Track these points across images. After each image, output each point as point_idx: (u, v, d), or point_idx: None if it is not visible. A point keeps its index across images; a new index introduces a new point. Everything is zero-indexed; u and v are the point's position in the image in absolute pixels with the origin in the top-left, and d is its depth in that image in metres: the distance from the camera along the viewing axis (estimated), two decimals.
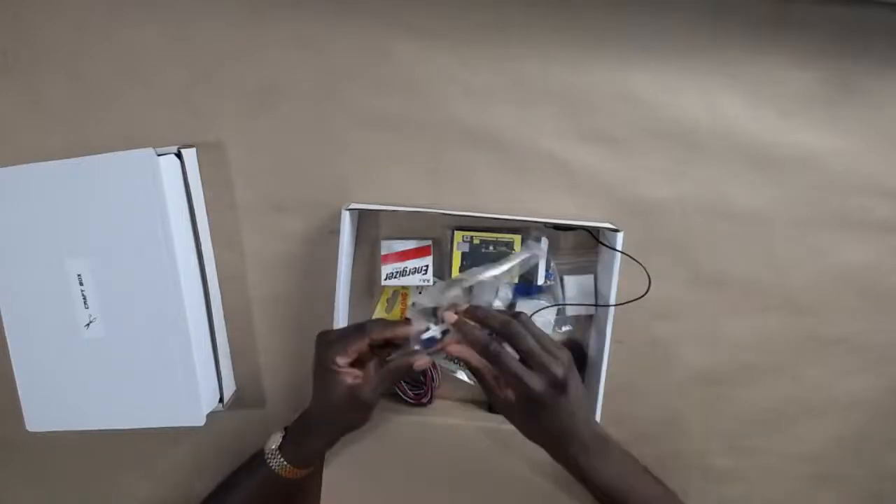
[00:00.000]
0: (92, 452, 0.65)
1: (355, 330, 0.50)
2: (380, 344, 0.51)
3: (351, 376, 0.50)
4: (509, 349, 0.47)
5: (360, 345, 0.50)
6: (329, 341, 0.51)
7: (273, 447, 0.54)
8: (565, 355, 0.48)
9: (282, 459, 0.53)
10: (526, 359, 0.47)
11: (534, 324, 0.50)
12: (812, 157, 0.60)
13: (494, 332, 0.48)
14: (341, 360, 0.49)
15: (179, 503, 0.66)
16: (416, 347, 0.50)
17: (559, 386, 0.46)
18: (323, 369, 0.50)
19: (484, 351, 0.48)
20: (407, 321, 0.51)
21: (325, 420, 0.53)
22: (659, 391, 0.64)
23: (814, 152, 0.60)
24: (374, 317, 0.62)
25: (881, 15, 0.57)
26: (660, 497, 0.52)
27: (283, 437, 0.54)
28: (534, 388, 0.46)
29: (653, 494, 0.51)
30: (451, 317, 0.50)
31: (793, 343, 0.64)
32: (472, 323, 0.50)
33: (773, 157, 0.60)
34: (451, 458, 0.59)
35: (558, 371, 0.46)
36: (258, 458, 0.55)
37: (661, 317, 0.62)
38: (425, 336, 0.51)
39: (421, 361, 0.49)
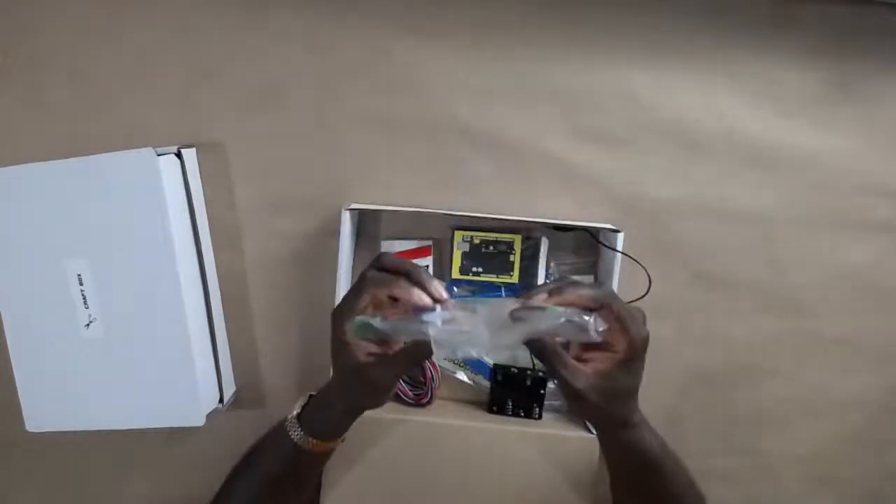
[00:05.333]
0: (92, 452, 0.65)
1: (353, 290, 0.45)
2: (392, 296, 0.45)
3: (363, 353, 0.45)
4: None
5: (364, 303, 0.45)
6: (338, 312, 0.46)
7: (293, 414, 0.50)
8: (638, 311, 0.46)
9: (300, 430, 0.49)
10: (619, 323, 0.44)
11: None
12: (812, 157, 0.60)
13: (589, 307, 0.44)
14: (349, 327, 0.45)
15: (180, 503, 0.66)
16: (423, 319, 0.43)
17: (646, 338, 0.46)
18: (337, 342, 0.46)
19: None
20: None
21: (341, 394, 0.49)
22: (659, 391, 0.64)
23: (814, 152, 0.60)
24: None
25: (881, 15, 0.57)
26: (684, 472, 0.50)
27: (304, 406, 0.50)
28: (643, 335, 0.45)
29: (677, 469, 0.50)
30: (542, 299, 0.44)
31: (793, 343, 0.64)
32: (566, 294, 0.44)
33: (773, 157, 0.60)
34: (450, 459, 0.59)
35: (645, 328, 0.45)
36: (279, 427, 0.51)
37: (661, 317, 0.62)
38: (427, 317, 0.43)
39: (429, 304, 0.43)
